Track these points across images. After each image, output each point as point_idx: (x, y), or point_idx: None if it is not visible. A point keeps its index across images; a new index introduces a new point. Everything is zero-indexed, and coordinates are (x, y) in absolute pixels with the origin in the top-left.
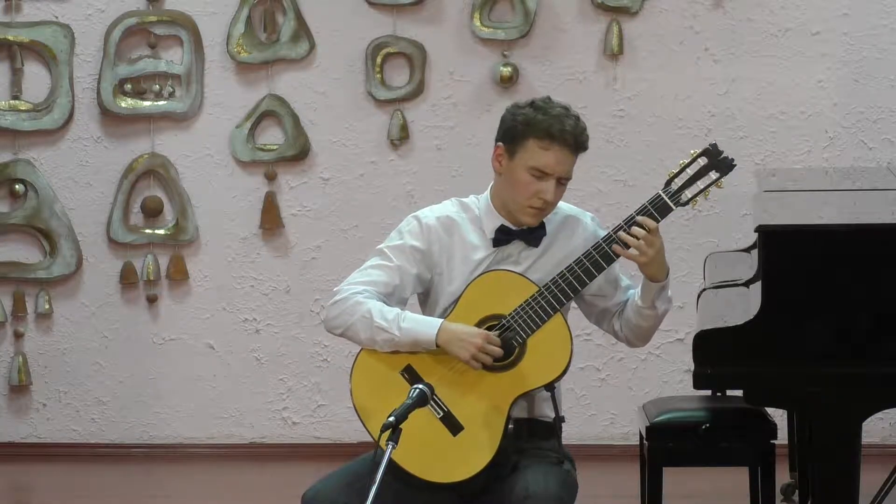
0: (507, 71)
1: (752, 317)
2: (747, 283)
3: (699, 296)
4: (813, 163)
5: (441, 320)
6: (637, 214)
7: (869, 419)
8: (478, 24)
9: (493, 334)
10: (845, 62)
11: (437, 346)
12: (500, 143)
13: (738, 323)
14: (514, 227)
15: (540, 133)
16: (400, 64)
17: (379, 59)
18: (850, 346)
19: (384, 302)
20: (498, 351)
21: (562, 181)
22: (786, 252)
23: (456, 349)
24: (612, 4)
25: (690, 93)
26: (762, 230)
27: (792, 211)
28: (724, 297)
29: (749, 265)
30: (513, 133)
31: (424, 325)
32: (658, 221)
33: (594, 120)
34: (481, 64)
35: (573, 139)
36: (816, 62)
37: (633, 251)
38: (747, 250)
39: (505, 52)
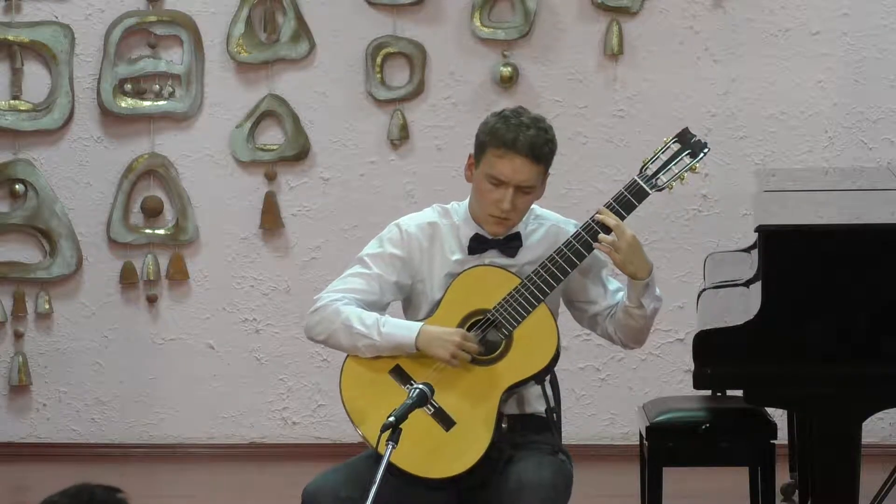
0: (507, 71)
1: (752, 317)
2: (747, 283)
3: (699, 296)
4: (813, 163)
5: (420, 323)
6: (614, 201)
7: (869, 419)
8: (478, 24)
9: (471, 333)
10: (845, 62)
11: (417, 348)
12: (471, 153)
13: (738, 323)
14: (489, 237)
15: (497, 142)
16: (400, 64)
17: (379, 59)
18: (850, 346)
19: (364, 309)
20: (475, 347)
21: (523, 190)
22: (786, 252)
23: (435, 350)
24: (612, 4)
25: (690, 93)
26: (762, 230)
27: (792, 211)
28: (724, 297)
29: (749, 265)
30: (478, 142)
31: (404, 329)
32: (625, 216)
33: (594, 120)
34: (481, 64)
35: (528, 149)
36: (816, 62)
37: (603, 246)
38: (747, 250)
39: (505, 52)
